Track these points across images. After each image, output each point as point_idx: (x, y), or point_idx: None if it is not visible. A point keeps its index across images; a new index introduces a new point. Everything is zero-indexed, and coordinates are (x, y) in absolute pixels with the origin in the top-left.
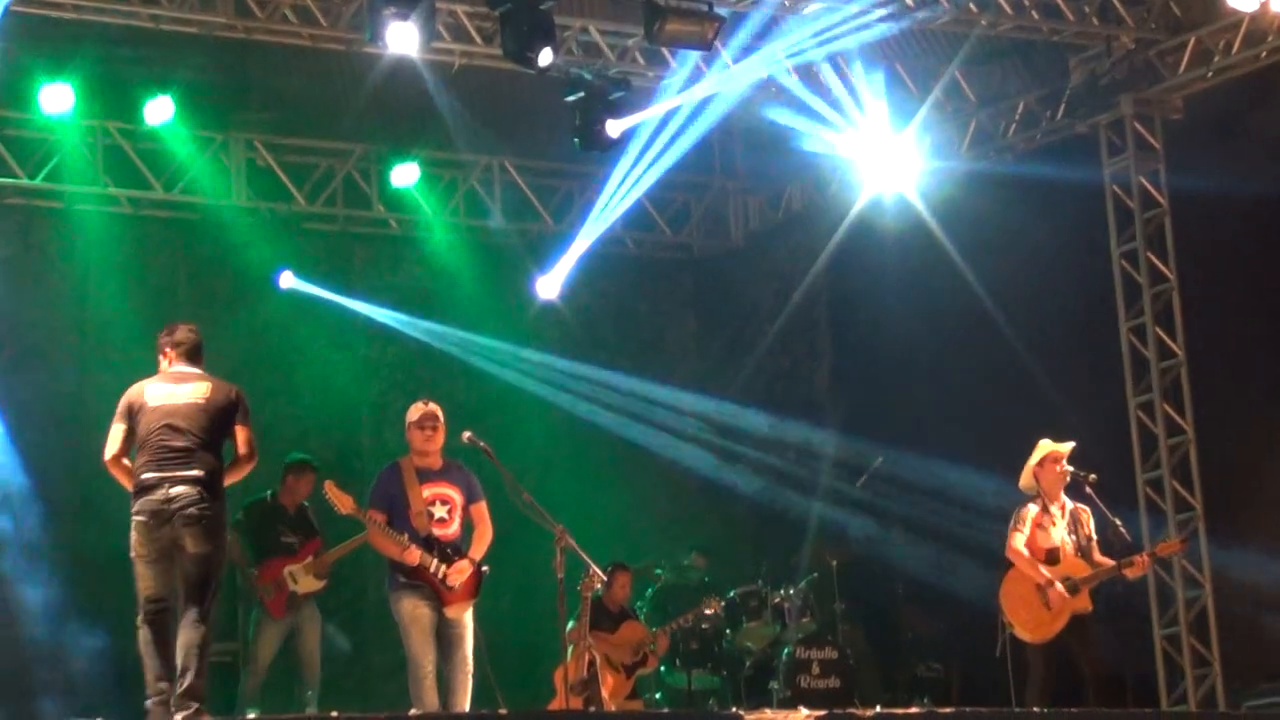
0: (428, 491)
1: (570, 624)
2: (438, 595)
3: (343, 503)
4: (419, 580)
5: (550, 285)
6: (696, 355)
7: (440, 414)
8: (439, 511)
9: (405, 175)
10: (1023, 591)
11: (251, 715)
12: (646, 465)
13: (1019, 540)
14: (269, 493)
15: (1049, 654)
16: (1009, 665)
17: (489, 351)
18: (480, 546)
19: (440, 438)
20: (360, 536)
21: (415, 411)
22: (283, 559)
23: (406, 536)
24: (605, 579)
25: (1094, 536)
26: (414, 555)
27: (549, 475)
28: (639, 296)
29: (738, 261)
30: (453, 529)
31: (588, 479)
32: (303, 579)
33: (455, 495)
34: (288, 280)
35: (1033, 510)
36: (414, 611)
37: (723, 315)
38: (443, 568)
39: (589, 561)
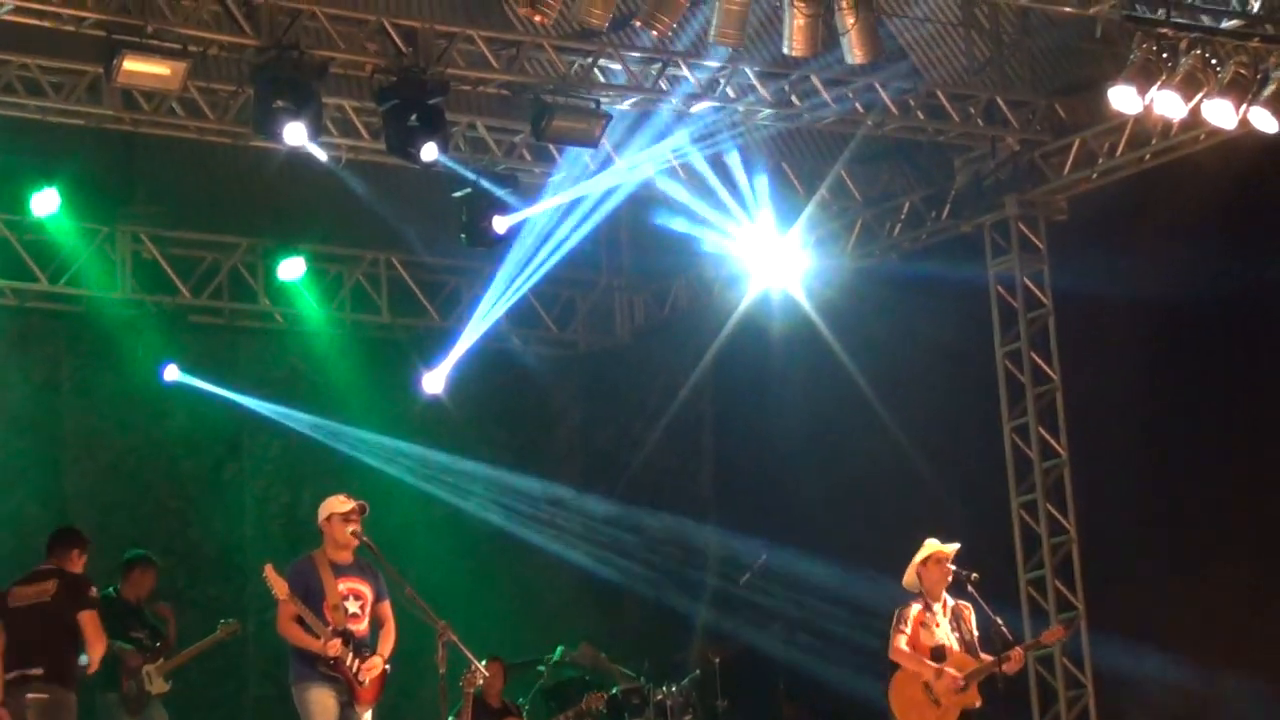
0: (342, 586)
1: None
2: (350, 690)
3: (280, 588)
4: (335, 673)
5: (436, 381)
6: (582, 452)
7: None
8: (352, 607)
9: (291, 269)
10: (910, 692)
11: None
12: (531, 561)
13: (902, 641)
14: (112, 589)
15: None
16: None
17: (373, 446)
18: (387, 645)
19: (361, 530)
20: (209, 640)
21: (342, 504)
22: (137, 657)
23: (330, 629)
24: (487, 674)
25: (976, 633)
26: (336, 646)
27: (432, 571)
28: (525, 393)
29: (623, 359)
30: (364, 625)
31: (471, 575)
32: (156, 680)
33: (367, 591)
34: (173, 373)
35: (915, 609)
36: (324, 701)
37: (608, 412)
38: (357, 662)
39: (470, 657)
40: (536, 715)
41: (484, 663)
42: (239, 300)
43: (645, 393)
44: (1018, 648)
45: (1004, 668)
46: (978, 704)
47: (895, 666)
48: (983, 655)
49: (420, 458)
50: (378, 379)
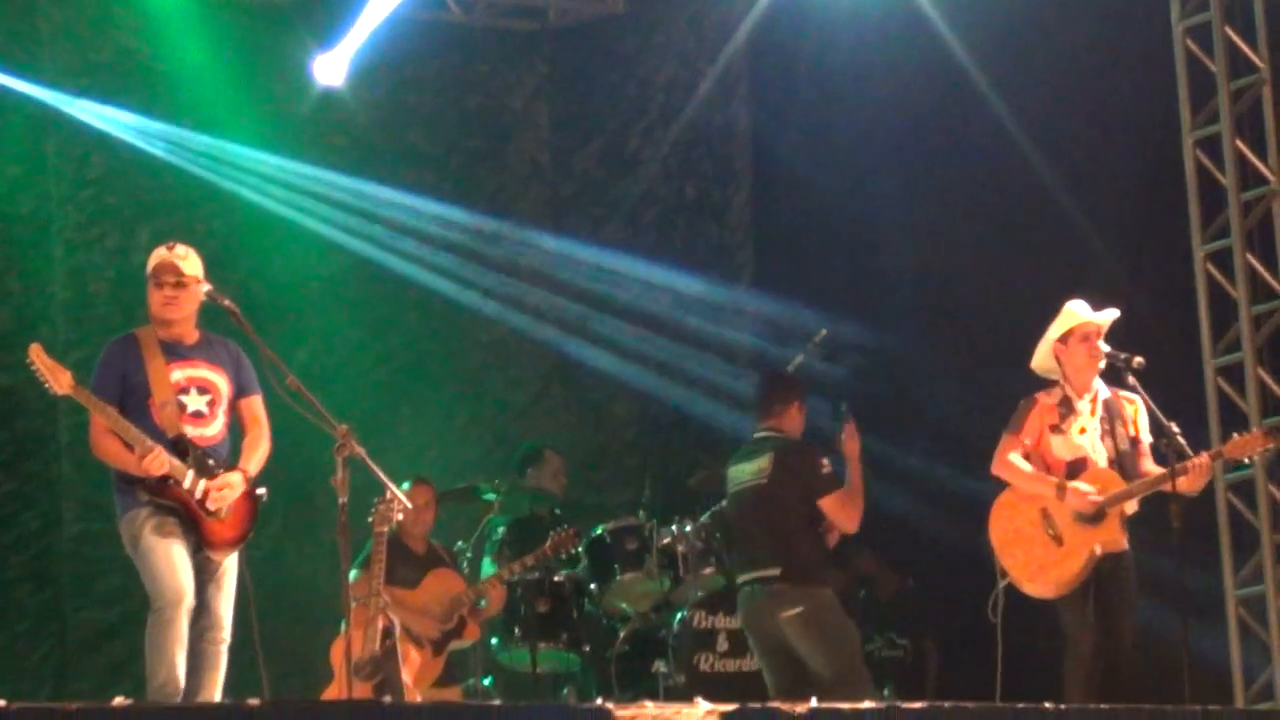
0: (178, 374)
1: (354, 573)
2: (195, 523)
3: (59, 380)
4: (167, 500)
5: (334, 67)
6: (552, 173)
7: (187, 265)
8: (194, 403)
9: None
10: (1019, 522)
11: None
12: (475, 338)
13: (1013, 450)
14: None
15: (1083, 612)
16: (999, 635)
17: (243, 163)
18: (252, 457)
19: (187, 299)
20: None
21: (153, 259)
22: None
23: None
24: (407, 505)
25: (1143, 438)
26: (160, 462)
27: (331, 352)
28: (467, 86)
29: (614, 36)
30: (214, 429)
31: (389, 359)
32: None
33: (220, 382)
34: None
35: (1045, 403)
36: (163, 527)
37: (592, 116)
38: (201, 482)
39: (385, 479)
40: (479, 565)
41: (405, 488)
42: None
43: (647, 87)
44: (1196, 457)
45: (1176, 485)
46: (1123, 547)
47: (1003, 485)
48: (1148, 468)
49: (313, 181)
50: (249, 64)
